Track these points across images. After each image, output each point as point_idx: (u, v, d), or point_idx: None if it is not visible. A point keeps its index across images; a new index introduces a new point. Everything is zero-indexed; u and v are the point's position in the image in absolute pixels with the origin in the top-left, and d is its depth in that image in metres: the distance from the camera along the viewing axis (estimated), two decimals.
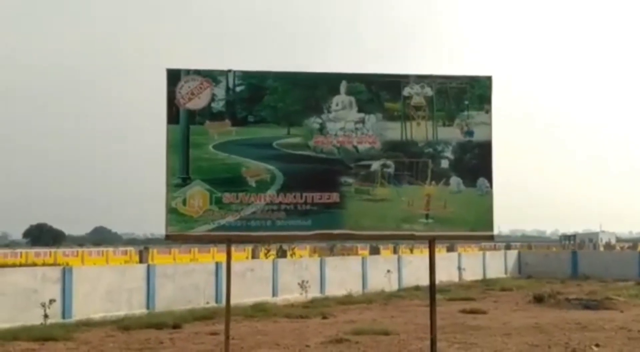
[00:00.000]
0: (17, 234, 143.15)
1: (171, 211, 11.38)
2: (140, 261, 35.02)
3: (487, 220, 11.98)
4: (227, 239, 11.85)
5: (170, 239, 11.68)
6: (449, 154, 11.94)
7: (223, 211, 11.40)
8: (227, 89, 11.65)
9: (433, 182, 11.84)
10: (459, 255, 37.16)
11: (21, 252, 57.09)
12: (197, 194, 11.39)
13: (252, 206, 11.45)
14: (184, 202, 11.37)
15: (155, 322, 18.26)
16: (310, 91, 11.78)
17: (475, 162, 12.01)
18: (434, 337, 11.99)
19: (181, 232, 11.42)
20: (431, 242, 12.29)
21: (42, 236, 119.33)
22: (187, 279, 22.79)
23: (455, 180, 11.89)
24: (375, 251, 45.44)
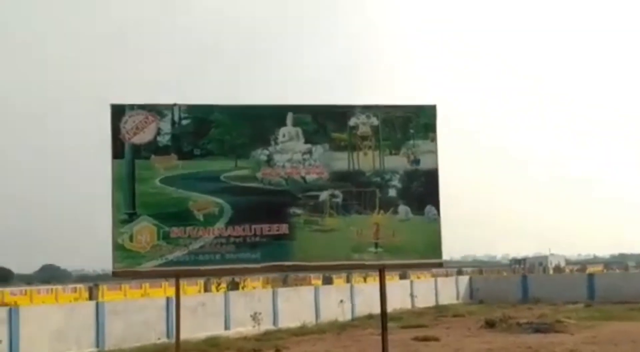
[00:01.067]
0: None
1: (118, 248, 11.20)
2: (90, 298, 34.36)
3: (435, 247, 12.05)
4: (175, 275, 11.71)
5: (117, 276, 11.49)
6: (396, 182, 12.01)
7: (171, 246, 11.28)
8: (173, 122, 11.57)
9: (381, 211, 11.88)
10: (411, 282, 37.27)
11: None
12: (144, 230, 11.25)
13: (201, 239, 11.34)
14: (131, 238, 11.21)
15: None
16: (256, 123, 11.77)
17: (422, 190, 12.09)
18: None
19: (129, 269, 11.24)
20: (381, 271, 12.31)
21: None
22: (138, 316, 22.43)
23: (403, 208, 11.95)
24: (328, 281, 45.32)
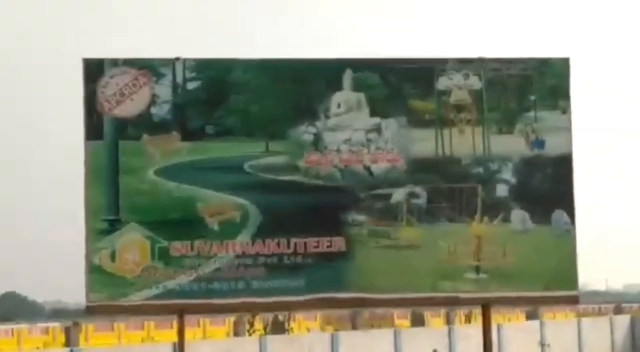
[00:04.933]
0: None
1: (94, 271, 11.28)
2: (67, 344, 34.92)
3: (568, 273, 11.89)
4: (178, 311, 11.77)
5: (93, 313, 11.61)
6: (508, 175, 11.90)
7: (171, 269, 11.34)
8: (175, 86, 11.62)
9: (485, 218, 11.79)
10: (542, 324, 36.87)
11: None
12: (133, 244, 11.33)
13: (215, 259, 11.39)
14: (113, 257, 11.30)
15: None
16: (298, 87, 11.76)
17: (549, 187, 11.98)
18: None
19: (110, 302, 11.35)
20: (485, 309, 12.20)
21: None
22: None
23: (518, 214, 11.83)
24: (418, 320, 45.13)
